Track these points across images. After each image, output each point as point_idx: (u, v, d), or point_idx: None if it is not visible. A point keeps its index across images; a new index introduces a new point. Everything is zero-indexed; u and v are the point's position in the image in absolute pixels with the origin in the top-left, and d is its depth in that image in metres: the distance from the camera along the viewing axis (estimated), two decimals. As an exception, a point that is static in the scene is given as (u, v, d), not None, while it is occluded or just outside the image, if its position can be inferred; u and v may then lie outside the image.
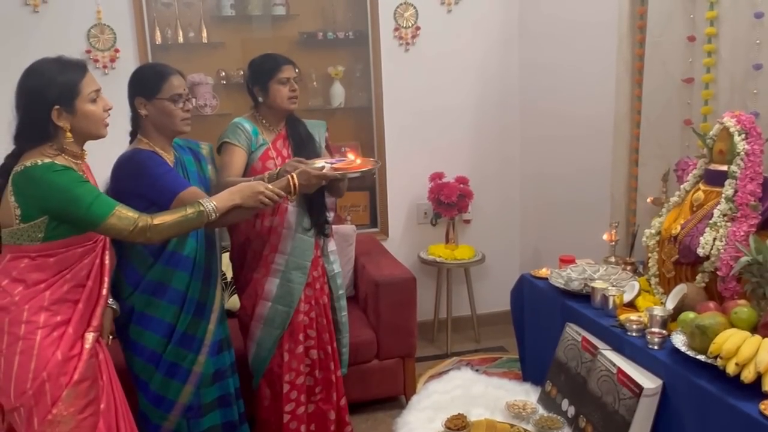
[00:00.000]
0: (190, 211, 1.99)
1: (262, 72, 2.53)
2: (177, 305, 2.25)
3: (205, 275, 2.32)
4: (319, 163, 2.34)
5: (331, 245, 2.74)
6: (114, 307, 2.16)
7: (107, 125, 1.94)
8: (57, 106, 1.83)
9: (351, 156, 2.41)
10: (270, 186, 2.13)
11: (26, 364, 1.81)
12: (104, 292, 2.00)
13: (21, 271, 1.85)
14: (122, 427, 2.02)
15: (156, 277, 2.22)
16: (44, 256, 1.85)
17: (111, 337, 2.14)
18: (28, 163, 1.82)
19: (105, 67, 3.41)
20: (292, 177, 2.19)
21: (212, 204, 2.02)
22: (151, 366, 2.26)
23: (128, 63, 3.41)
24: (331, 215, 2.70)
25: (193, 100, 2.32)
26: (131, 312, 2.23)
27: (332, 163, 2.36)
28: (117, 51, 3.43)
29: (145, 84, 2.21)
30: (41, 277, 1.85)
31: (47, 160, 1.82)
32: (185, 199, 2.09)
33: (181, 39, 3.56)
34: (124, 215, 1.88)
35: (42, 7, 3.32)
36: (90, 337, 1.93)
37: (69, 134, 1.86)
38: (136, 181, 2.14)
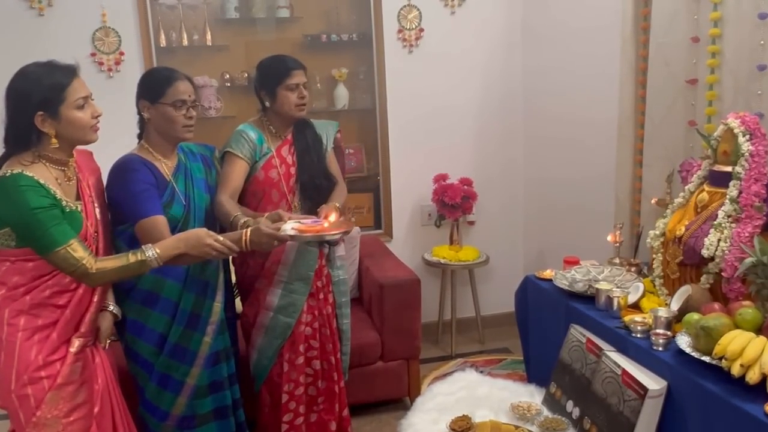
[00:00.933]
0: (132, 259, 1.92)
1: (270, 76, 2.48)
2: (168, 316, 2.23)
3: (200, 287, 2.28)
4: (290, 223, 2.21)
5: (340, 250, 2.70)
6: (114, 311, 2.16)
7: (97, 131, 1.92)
8: (41, 112, 1.80)
9: (332, 217, 2.31)
10: (220, 238, 2.04)
11: (9, 366, 1.83)
12: (95, 298, 1.98)
13: (2, 273, 1.85)
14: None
15: (147, 286, 2.20)
16: (22, 260, 1.84)
17: (108, 341, 2.12)
18: (1, 173, 1.80)
19: (110, 69, 3.43)
20: (246, 233, 2.10)
21: (155, 252, 1.93)
22: (146, 374, 2.25)
23: (133, 66, 3.43)
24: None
25: (200, 106, 2.29)
26: (125, 319, 2.21)
27: (304, 224, 2.24)
28: (122, 54, 3.44)
29: (151, 87, 2.20)
30: (21, 281, 1.85)
31: (16, 171, 1.79)
32: (144, 227, 2.06)
33: (185, 42, 3.57)
34: (72, 254, 1.82)
35: (47, 11, 3.33)
36: (76, 342, 1.92)
37: (54, 140, 1.83)
38: (117, 191, 2.13)
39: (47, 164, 1.86)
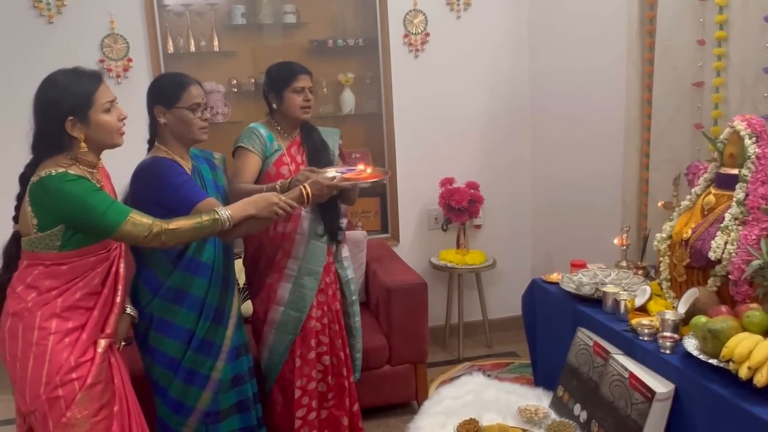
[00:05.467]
0: (205, 218, 2.00)
1: (277, 80, 2.56)
2: (196, 312, 2.27)
3: (223, 282, 2.34)
4: (330, 172, 2.35)
5: (345, 251, 2.76)
6: (132, 313, 2.19)
7: (123, 134, 1.97)
8: (71, 117, 1.85)
9: (361, 166, 2.42)
10: (283, 197, 2.15)
11: (39, 369, 1.85)
12: (118, 299, 2.02)
13: (35, 278, 1.88)
14: (135, 430, 2.04)
15: (175, 283, 2.24)
16: (57, 264, 1.88)
17: (123, 343, 2.15)
18: (43, 174, 1.84)
19: (118, 76, 3.45)
20: (305, 187, 2.20)
21: (227, 213, 2.03)
22: (170, 372, 2.28)
23: (141, 72, 3.46)
24: (344, 222, 2.71)
25: (210, 108, 2.34)
26: (151, 319, 2.25)
27: (343, 173, 2.37)
28: (130, 60, 3.47)
29: (165, 93, 2.24)
30: (53, 284, 1.88)
31: (61, 170, 1.84)
32: (202, 209, 2.11)
33: (193, 48, 3.60)
34: (139, 221, 1.89)
35: (56, 18, 3.37)
36: (103, 342, 1.96)
37: (83, 144, 1.88)
38: (155, 190, 2.16)
39: (81, 167, 1.91)
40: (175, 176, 2.18)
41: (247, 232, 2.26)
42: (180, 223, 1.97)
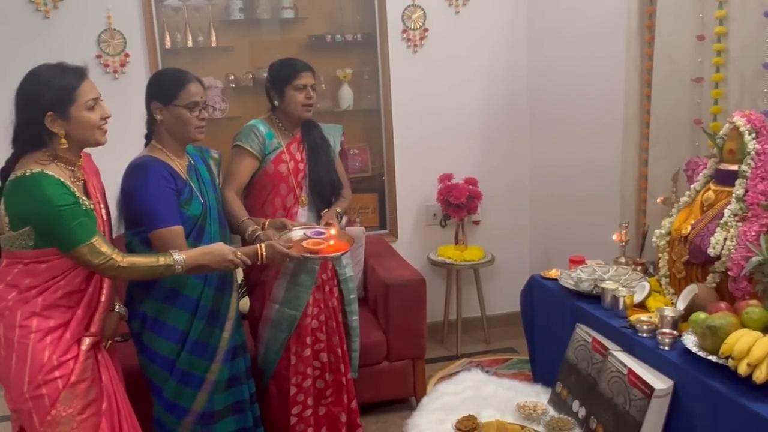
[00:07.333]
0: (161, 261, 1.98)
1: (279, 77, 2.55)
2: (189, 312, 2.25)
3: (219, 283, 2.31)
4: (296, 231, 2.39)
5: None
6: (120, 311, 2.17)
7: (105, 132, 1.93)
8: (51, 112, 1.82)
9: (333, 231, 2.42)
10: (239, 253, 2.14)
11: (22, 368, 1.84)
12: (103, 298, 2.00)
13: (15, 276, 1.86)
14: (125, 428, 2.04)
15: (168, 283, 2.21)
16: (36, 262, 1.86)
17: (110, 341, 2.12)
18: (19, 173, 1.82)
19: (115, 71, 3.44)
20: (261, 247, 2.20)
21: (182, 258, 2.01)
22: (165, 372, 2.26)
23: (138, 67, 3.44)
24: (344, 220, 2.70)
25: (210, 108, 2.30)
26: (144, 317, 2.23)
27: (311, 234, 2.40)
28: (127, 56, 3.45)
29: (163, 89, 2.21)
30: (33, 282, 1.86)
31: (36, 170, 1.81)
32: (162, 236, 2.10)
33: (190, 43, 3.58)
34: (98, 248, 1.86)
35: (53, 13, 3.35)
36: (87, 340, 1.94)
37: (63, 140, 1.85)
38: (136, 194, 2.14)
39: (59, 164, 1.88)
40: (155, 190, 2.13)
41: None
42: (135, 260, 1.95)
